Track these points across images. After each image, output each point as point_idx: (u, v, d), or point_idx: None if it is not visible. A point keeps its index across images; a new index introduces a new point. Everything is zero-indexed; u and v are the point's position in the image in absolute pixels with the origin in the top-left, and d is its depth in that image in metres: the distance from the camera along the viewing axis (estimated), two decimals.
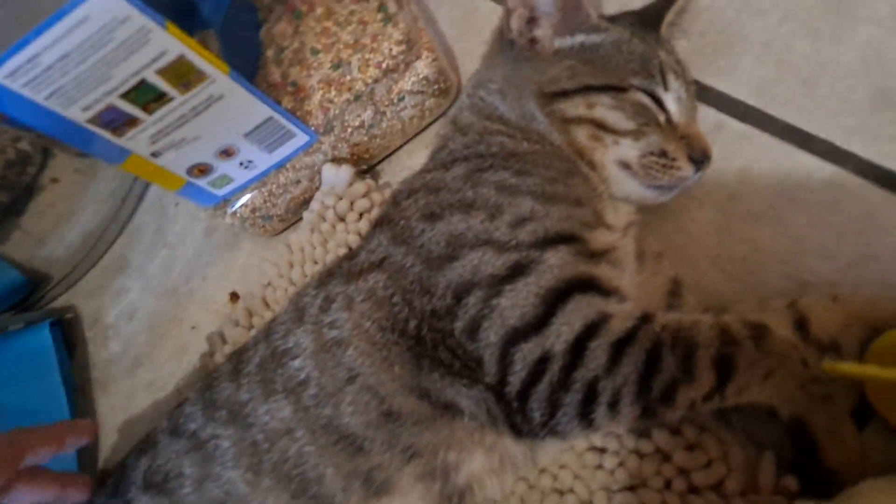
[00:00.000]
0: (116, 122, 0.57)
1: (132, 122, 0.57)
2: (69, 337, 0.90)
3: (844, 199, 0.59)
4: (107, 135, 0.57)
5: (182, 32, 0.52)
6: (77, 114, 0.54)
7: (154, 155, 0.62)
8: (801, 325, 0.54)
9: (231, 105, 0.60)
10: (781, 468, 0.52)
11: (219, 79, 0.57)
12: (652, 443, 0.56)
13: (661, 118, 0.59)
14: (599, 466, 0.57)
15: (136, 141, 0.59)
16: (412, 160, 0.77)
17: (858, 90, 0.61)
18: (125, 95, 0.55)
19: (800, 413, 0.49)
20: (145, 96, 0.55)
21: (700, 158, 0.58)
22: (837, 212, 0.58)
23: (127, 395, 0.83)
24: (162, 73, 0.54)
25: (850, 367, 0.47)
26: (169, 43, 0.52)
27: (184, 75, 0.55)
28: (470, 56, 0.77)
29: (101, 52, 0.50)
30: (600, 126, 0.58)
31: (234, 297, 0.82)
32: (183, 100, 0.57)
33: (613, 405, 0.48)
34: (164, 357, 0.83)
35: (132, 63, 0.52)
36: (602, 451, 0.58)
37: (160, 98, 0.56)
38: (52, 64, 0.50)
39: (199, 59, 0.55)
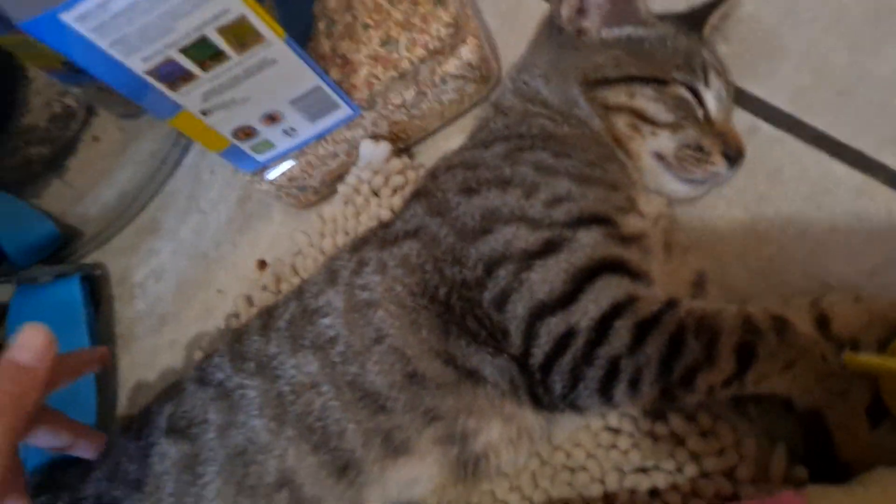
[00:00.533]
0: (173, 75, 0.58)
1: (188, 77, 0.59)
2: (96, 293, 0.92)
3: (872, 208, 0.60)
4: (162, 88, 0.59)
5: None
6: (137, 64, 0.56)
7: (204, 113, 0.64)
8: (823, 322, 0.55)
9: (282, 70, 0.62)
10: (792, 460, 0.53)
11: (274, 43, 0.59)
12: (667, 426, 0.57)
13: (700, 114, 0.60)
14: (613, 446, 0.58)
15: (189, 97, 0.61)
16: (448, 144, 0.79)
17: (893, 102, 0.62)
18: (185, 50, 0.56)
19: (816, 405, 0.50)
20: (203, 53, 0.57)
21: (734, 155, 0.60)
22: (864, 219, 0.60)
23: (150, 352, 0.85)
24: (222, 31, 0.56)
25: (869, 360, 0.48)
26: (233, 1, 0.54)
27: (242, 35, 0.57)
28: (511, 49, 0.79)
29: (167, 4, 0.52)
30: (640, 116, 0.60)
31: (262, 264, 0.84)
32: (238, 60, 0.59)
33: (634, 383, 0.50)
34: (189, 318, 0.85)
35: (196, 18, 0.54)
36: (617, 431, 0.59)
37: (217, 56, 0.58)
38: (120, 11, 0.51)
39: (259, 21, 0.56)
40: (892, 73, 0.63)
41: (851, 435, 0.50)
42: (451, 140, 0.79)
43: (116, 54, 0.55)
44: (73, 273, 0.89)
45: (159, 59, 0.56)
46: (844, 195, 0.61)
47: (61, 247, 0.92)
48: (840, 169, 0.62)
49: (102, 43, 0.53)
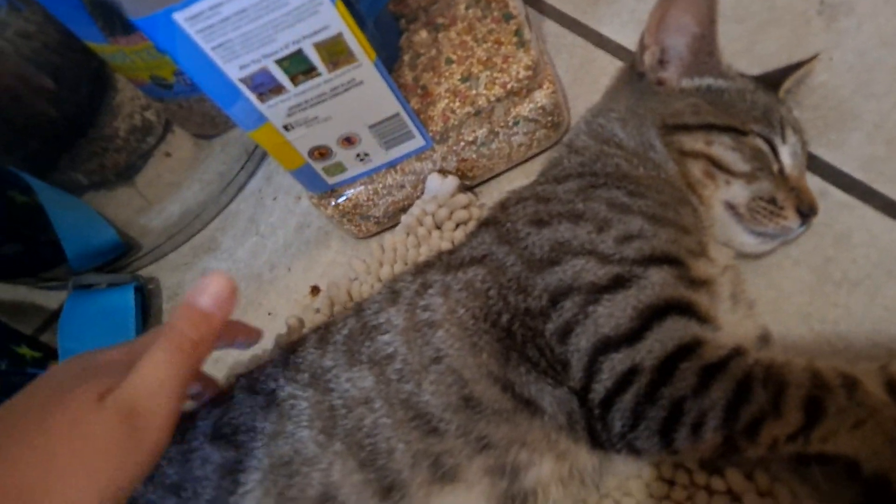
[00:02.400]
0: (264, 86, 0.61)
1: (278, 89, 0.61)
2: (146, 306, 0.94)
3: None
4: (252, 97, 0.62)
5: (347, 12, 0.57)
6: (234, 70, 0.59)
7: (286, 128, 0.66)
8: (892, 387, 0.54)
9: (367, 93, 0.64)
10: None
11: (364, 64, 0.61)
12: (724, 482, 0.55)
13: (775, 167, 0.61)
14: (666, 497, 0.56)
15: (275, 110, 0.63)
16: (511, 187, 0.80)
17: None
18: (280, 62, 0.59)
19: (885, 469, 0.48)
20: (297, 67, 0.60)
21: (807, 211, 0.60)
22: None
23: None
24: (318, 46, 0.58)
25: None
26: (333, 18, 0.56)
27: (336, 53, 0.59)
28: (581, 101, 0.81)
29: (273, 14, 0.55)
30: (716, 163, 0.61)
31: (315, 290, 0.85)
32: (328, 77, 0.61)
33: (697, 427, 0.49)
34: None
35: (296, 31, 0.56)
36: (671, 483, 0.57)
37: (309, 71, 0.60)
38: (229, 16, 0.54)
39: (355, 41, 0.59)
40: None
41: None
42: (515, 184, 0.80)
43: (217, 58, 0.57)
44: (127, 283, 0.91)
45: (255, 67, 0.59)
46: None
47: (120, 256, 0.95)
48: None
49: (207, 45, 0.56)
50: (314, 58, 0.59)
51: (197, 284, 0.49)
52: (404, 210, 0.79)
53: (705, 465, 0.56)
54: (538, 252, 0.57)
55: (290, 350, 0.64)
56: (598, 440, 0.53)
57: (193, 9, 0.53)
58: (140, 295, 0.92)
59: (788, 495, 0.54)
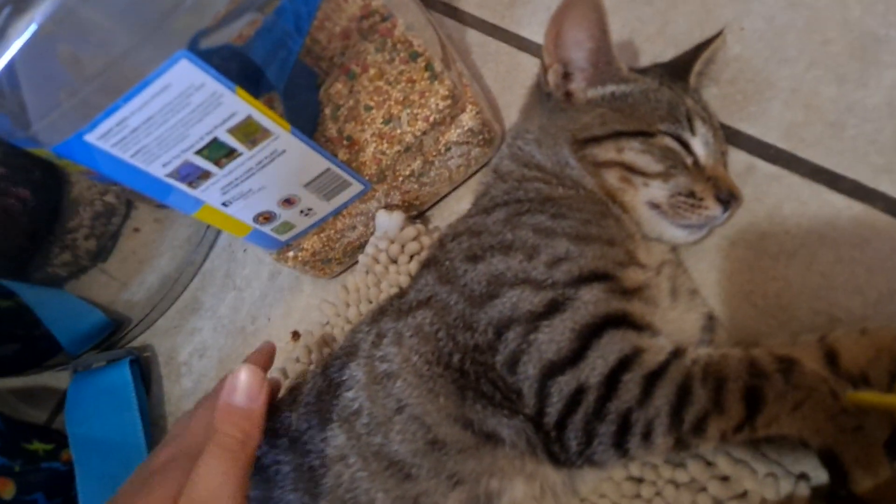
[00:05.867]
0: (192, 175, 0.63)
1: (205, 175, 0.64)
2: (146, 373, 0.98)
3: (873, 237, 0.60)
4: (183, 187, 0.64)
5: (250, 96, 0.59)
6: (158, 169, 0.61)
7: (224, 205, 0.68)
8: (831, 358, 0.55)
9: (292, 158, 0.66)
10: (815, 498, 0.53)
11: (281, 135, 0.64)
12: (687, 473, 0.58)
13: (689, 161, 0.62)
14: (637, 496, 0.59)
15: (209, 192, 0.66)
16: (460, 205, 0.82)
17: (885, 131, 0.63)
18: (199, 152, 0.61)
19: (830, 444, 0.50)
20: (217, 152, 0.62)
21: (726, 198, 0.61)
22: (866, 249, 0.60)
23: None
24: (232, 131, 0.61)
25: (871, 397, 0.48)
26: (238, 105, 0.59)
27: (251, 133, 0.62)
28: (513, 108, 0.82)
29: (179, 115, 0.57)
30: (630, 169, 0.62)
31: (296, 335, 0.88)
32: (250, 154, 0.64)
33: (646, 435, 0.51)
34: None
35: (206, 123, 0.59)
36: (640, 480, 0.60)
37: (230, 153, 0.63)
38: (137, 126, 0.56)
39: (265, 118, 0.61)
40: (881, 102, 0.64)
41: (869, 472, 0.49)
42: (463, 201, 0.82)
43: (138, 163, 0.60)
44: (122, 358, 0.95)
45: (177, 162, 0.61)
46: (845, 226, 0.62)
47: (112, 333, 0.98)
48: (838, 200, 0.63)
49: (124, 155, 0.59)
50: (231, 142, 0.62)
51: (227, 384, 0.52)
52: (362, 247, 0.81)
53: (669, 460, 0.59)
54: (477, 288, 0.59)
55: (270, 413, 0.67)
56: (559, 459, 0.55)
57: (102, 128, 0.55)
58: (137, 366, 0.96)
59: (750, 474, 0.56)
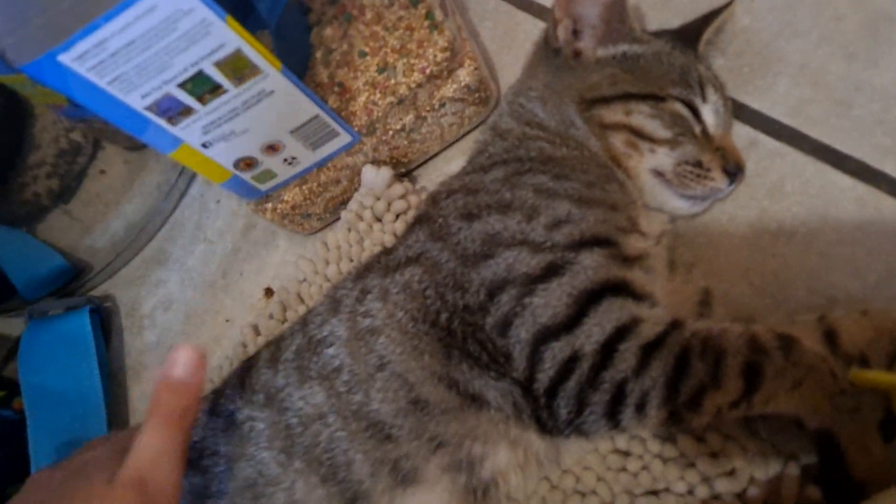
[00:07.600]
0: (172, 110, 0.59)
1: (187, 111, 0.60)
2: (105, 324, 0.93)
3: (875, 218, 0.59)
4: (162, 123, 0.60)
5: (240, 26, 0.55)
6: (136, 100, 0.57)
7: (204, 146, 0.64)
8: (830, 338, 0.55)
9: (280, 101, 0.62)
10: (805, 479, 0.53)
11: (271, 74, 0.60)
12: (676, 448, 0.56)
13: (698, 129, 0.60)
14: (623, 469, 0.58)
15: (189, 131, 0.62)
16: (449, 166, 0.79)
17: (893, 112, 0.62)
18: (182, 85, 0.57)
19: (826, 424, 0.49)
20: (201, 87, 0.58)
21: (734, 170, 0.60)
22: (868, 230, 0.59)
23: None
24: (219, 65, 0.56)
25: (876, 375, 0.48)
26: (228, 36, 0.54)
27: (239, 69, 0.58)
28: (510, 69, 0.80)
29: (164, 42, 0.53)
30: (637, 133, 0.60)
31: (269, 292, 0.84)
32: (236, 93, 0.60)
33: (640, 407, 0.49)
34: None
35: (192, 54, 0.54)
36: (626, 454, 0.58)
37: (215, 90, 0.59)
38: (117, 50, 0.52)
39: (255, 53, 0.57)
40: (890, 83, 0.63)
41: (864, 452, 0.49)
42: (453, 163, 0.79)
43: (115, 92, 0.56)
44: (82, 305, 0.90)
45: (158, 94, 0.57)
46: (847, 206, 0.61)
47: (71, 279, 0.93)
48: (842, 180, 0.62)
49: (101, 81, 0.54)
50: (217, 76, 0.58)
51: (167, 361, 0.52)
52: (345, 204, 0.78)
53: (658, 435, 0.57)
54: (471, 247, 0.57)
55: (245, 369, 0.64)
56: (546, 427, 0.54)
57: (78, 48, 0.51)
58: (98, 315, 0.91)
59: (740, 452, 0.55)
